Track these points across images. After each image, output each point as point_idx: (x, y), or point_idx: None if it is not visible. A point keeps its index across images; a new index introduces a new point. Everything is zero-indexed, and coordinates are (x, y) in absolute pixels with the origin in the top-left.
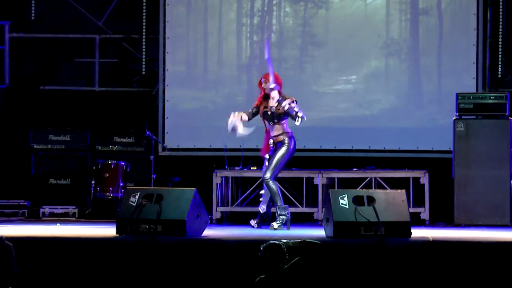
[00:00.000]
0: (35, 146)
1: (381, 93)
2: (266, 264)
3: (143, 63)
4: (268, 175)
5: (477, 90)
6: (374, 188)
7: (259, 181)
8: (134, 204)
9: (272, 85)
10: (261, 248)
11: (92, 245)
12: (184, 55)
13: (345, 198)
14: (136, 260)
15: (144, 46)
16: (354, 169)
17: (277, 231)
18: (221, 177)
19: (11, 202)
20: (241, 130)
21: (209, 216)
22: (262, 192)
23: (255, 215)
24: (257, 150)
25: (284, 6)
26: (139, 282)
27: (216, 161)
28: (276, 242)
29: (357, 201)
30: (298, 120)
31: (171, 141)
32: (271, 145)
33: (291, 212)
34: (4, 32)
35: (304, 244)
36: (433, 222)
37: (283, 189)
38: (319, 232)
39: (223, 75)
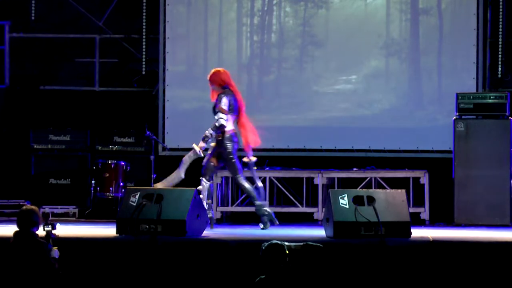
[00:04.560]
0: (35, 146)
1: (381, 93)
2: (267, 264)
3: (143, 63)
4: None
5: (477, 90)
6: (374, 188)
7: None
8: (134, 204)
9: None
10: (263, 248)
11: (92, 245)
12: (184, 55)
13: (345, 198)
14: (136, 260)
15: (144, 46)
16: (354, 169)
17: (276, 230)
18: (221, 177)
19: (11, 202)
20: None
21: None
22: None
23: (256, 215)
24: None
25: (284, 6)
26: (139, 282)
27: None
28: (278, 242)
29: (357, 201)
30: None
31: (171, 141)
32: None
33: (292, 212)
34: (4, 32)
35: (306, 248)
36: (433, 222)
37: (283, 189)
38: (319, 232)
39: None
